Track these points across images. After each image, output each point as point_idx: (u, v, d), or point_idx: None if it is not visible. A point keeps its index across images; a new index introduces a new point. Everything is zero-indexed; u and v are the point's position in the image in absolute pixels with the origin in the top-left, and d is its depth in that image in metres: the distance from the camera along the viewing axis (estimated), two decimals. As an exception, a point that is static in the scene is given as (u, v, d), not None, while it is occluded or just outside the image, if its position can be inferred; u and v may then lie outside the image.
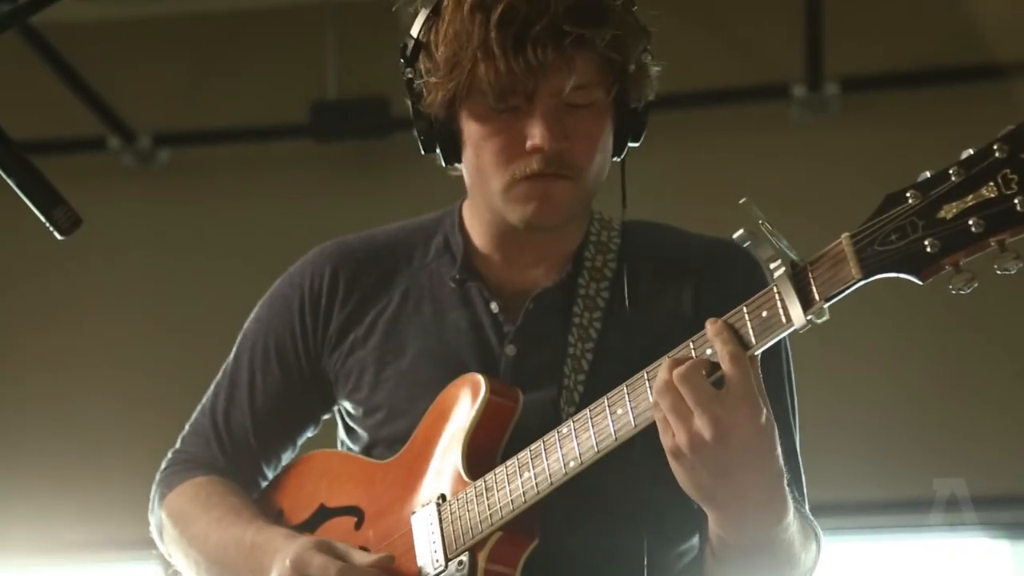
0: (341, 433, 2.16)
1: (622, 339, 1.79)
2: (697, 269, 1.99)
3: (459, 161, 2.00)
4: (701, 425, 1.63)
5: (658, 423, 1.68)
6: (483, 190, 1.97)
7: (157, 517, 2.16)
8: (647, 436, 1.73)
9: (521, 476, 1.84)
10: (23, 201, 1.58)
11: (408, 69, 1.95)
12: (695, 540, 1.98)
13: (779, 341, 1.74)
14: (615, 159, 2.01)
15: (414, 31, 1.94)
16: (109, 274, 5.30)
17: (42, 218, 1.58)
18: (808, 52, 4.89)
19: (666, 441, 1.67)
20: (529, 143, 1.89)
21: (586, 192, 1.96)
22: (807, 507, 1.98)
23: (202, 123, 5.43)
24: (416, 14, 1.95)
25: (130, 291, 5.29)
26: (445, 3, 1.91)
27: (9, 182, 1.57)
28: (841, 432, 4.67)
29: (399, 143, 5.12)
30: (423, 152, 2.02)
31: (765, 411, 1.65)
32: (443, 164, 2.02)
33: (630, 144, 2.00)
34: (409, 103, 1.98)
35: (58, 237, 1.60)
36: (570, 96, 1.88)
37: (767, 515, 1.73)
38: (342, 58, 5.30)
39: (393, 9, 2.00)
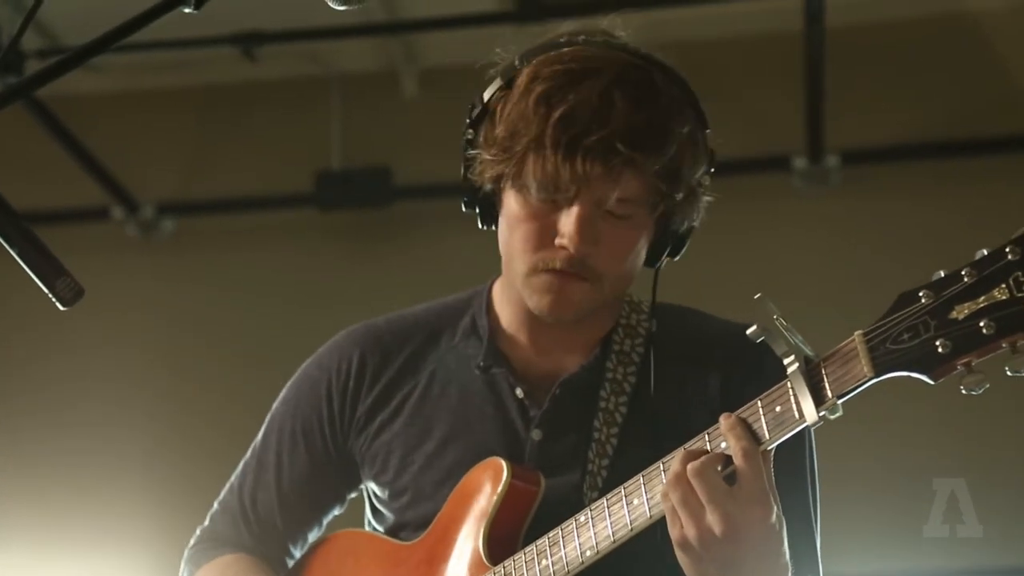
0: (368, 513, 2.17)
1: (647, 424, 1.81)
2: (725, 357, 1.99)
3: (495, 225, 2.00)
4: (712, 521, 1.63)
5: (667, 514, 1.68)
6: (509, 267, 1.98)
7: None
8: (664, 526, 1.73)
9: (539, 563, 1.85)
10: (25, 271, 1.59)
11: (470, 130, 1.96)
12: None
13: (801, 431, 1.75)
14: (649, 267, 2.00)
15: (486, 95, 1.95)
16: (111, 344, 5.29)
17: (45, 289, 1.59)
18: (809, 125, 4.93)
19: (674, 533, 1.67)
20: (558, 240, 1.89)
21: (604, 295, 1.95)
22: None
23: (205, 193, 5.45)
24: (493, 78, 1.95)
25: (133, 362, 5.28)
26: (519, 81, 1.91)
27: (12, 252, 1.58)
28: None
29: (402, 212, 5.15)
30: (464, 209, 2.02)
31: (776, 509, 1.66)
32: (480, 226, 2.02)
33: (672, 259, 2.00)
34: (462, 164, 1.98)
35: (60, 308, 1.60)
36: (610, 206, 1.88)
37: None
38: (346, 128, 5.34)
39: (477, 66, 2.00)
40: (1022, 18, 5.06)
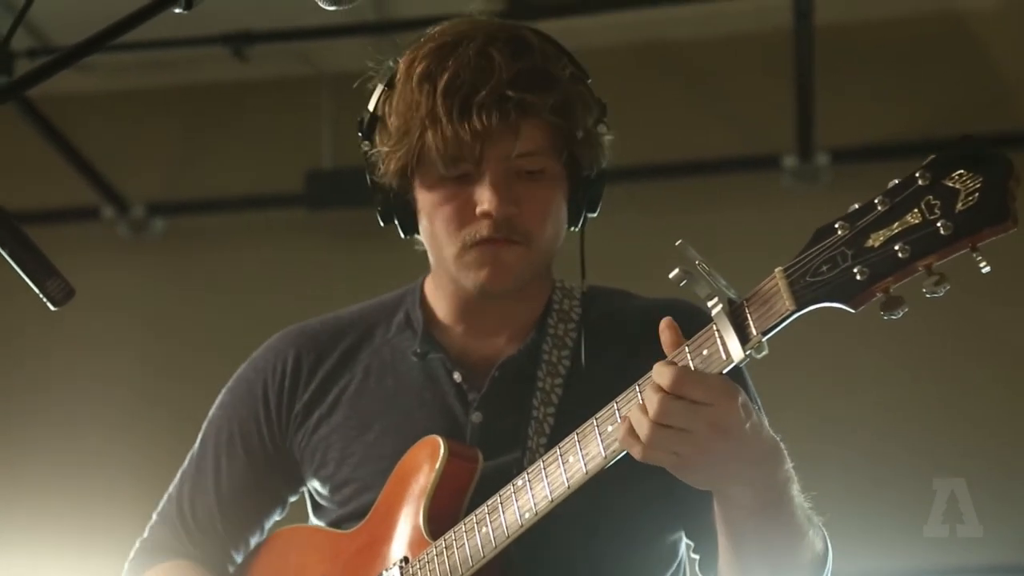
0: (310, 512, 2.16)
1: (583, 403, 1.80)
2: (655, 330, 1.98)
3: (417, 232, 2.03)
4: (701, 437, 1.63)
5: (656, 459, 1.66)
6: (439, 258, 2.01)
7: None
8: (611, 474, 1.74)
9: (479, 531, 1.85)
10: (16, 271, 1.59)
11: (365, 142, 2.00)
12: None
13: (740, 376, 1.89)
14: (573, 229, 2.04)
15: (371, 105, 1.99)
16: (102, 344, 5.29)
17: (35, 289, 1.59)
18: (799, 123, 4.93)
19: (671, 464, 1.66)
20: (478, 209, 1.92)
21: (538, 258, 1.99)
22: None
23: (196, 193, 5.45)
24: (373, 89, 2.01)
25: (123, 361, 5.28)
26: (398, 75, 1.96)
27: (2, 252, 1.58)
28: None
29: (393, 212, 5.14)
30: (382, 224, 2.06)
31: (735, 385, 1.66)
32: (402, 235, 2.05)
33: (588, 215, 2.03)
34: (368, 176, 2.02)
35: (51, 308, 1.60)
36: (519, 163, 1.92)
37: (771, 460, 1.73)
38: (336, 127, 5.34)
39: (355, 85, 2.05)
40: (1011, 17, 5.07)
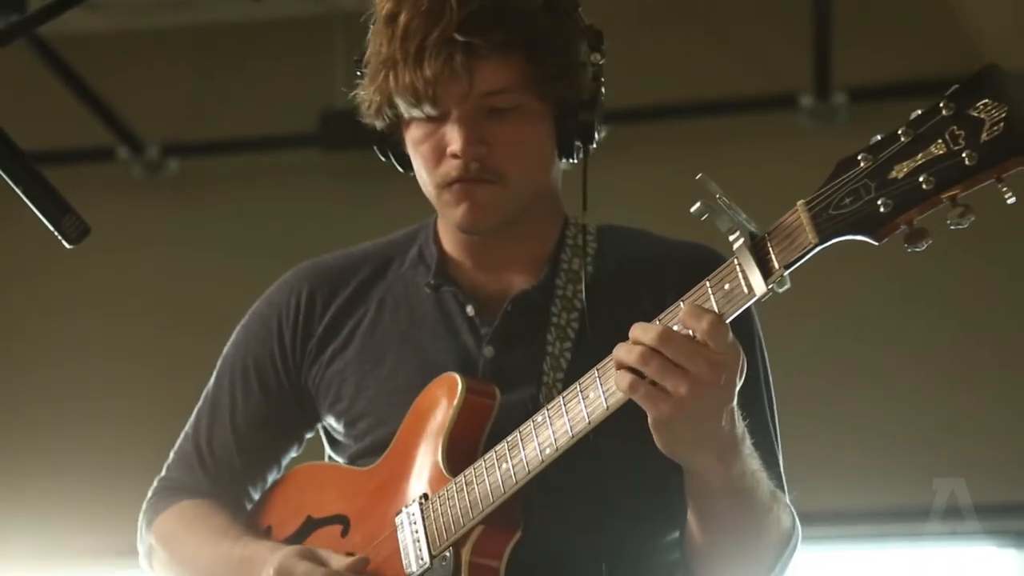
0: (327, 448, 2.17)
1: (600, 338, 1.80)
2: (674, 272, 1.98)
3: (411, 168, 2.04)
4: (699, 373, 1.64)
5: (642, 397, 1.67)
6: (428, 195, 2.02)
7: (146, 544, 2.17)
8: (623, 424, 1.74)
9: (499, 468, 1.85)
10: (31, 210, 1.58)
11: (355, 88, 2.03)
12: (678, 534, 1.99)
13: (752, 331, 1.93)
14: (572, 162, 2.02)
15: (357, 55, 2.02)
16: (116, 284, 5.30)
17: (51, 227, 1.59)
18: (816, 62, 4.90)
19: (658, 409, 1.67)
20: (448, 149, 1.93)
21: (516, 196, 1.98)
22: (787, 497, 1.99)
23: (210, 133, 5.43)
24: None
25: (137, 301, 5.29)
26: (375, 18, 1.98)
27: (17, 191, 1.58)
28: (837, 437, 4.67)
29: (408, 152, 5.13)
30: (382, 159, 2.07)
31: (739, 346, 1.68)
32: (401, 171, 2.07)
33: (587, 146, 2.01)
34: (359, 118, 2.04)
35: (66, 246, 1.60)
36: (489, 101, 1.92)
37: (739, 435, 1.75)
38: (350, 67, 5.30)
39: (361, 20, 2.04)
40: (1033, -48, 5.02)
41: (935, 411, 4.76)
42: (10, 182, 1.57)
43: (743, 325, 1.92)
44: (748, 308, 1.67)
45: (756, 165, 4.85)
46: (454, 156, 1.93)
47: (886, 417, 4.76)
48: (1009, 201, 1.49)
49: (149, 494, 2.20)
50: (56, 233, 1.58)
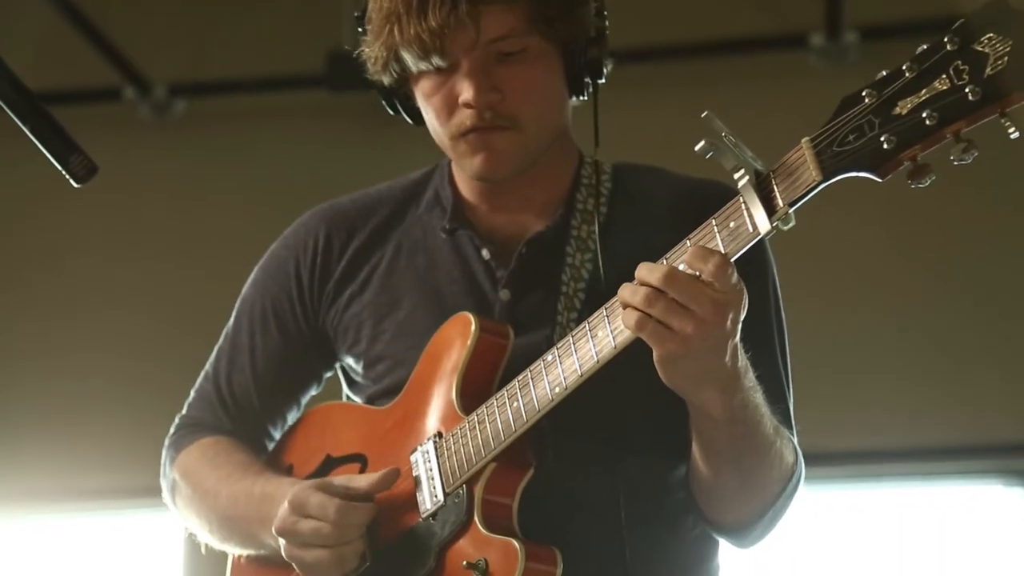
0: (345, 389, 2.19)
1: (614, 278, 1.80)
2: (688, 209, 1.95)
3: (423, 122, 2.04)
4: (704, 313, 1.65)
5: (649, 335, 1.69)
6: (443, 146, 2.02)
7: (169, 480, 2.19)
8: (633, 361, 1.75)
9: (511, 406, 1.87)
10: (38, 149, 1.58)
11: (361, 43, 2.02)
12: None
13: (766, 269, 1.94)
14: (582, 98, 2.02)
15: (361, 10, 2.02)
16: (123, 224, 5.30)
17: (58, 166, 1.59)
18: (827, 0, 4.86)
19: (664, 347, 1.69)
20: (460, 99, 1.93)
21: (534, 139, 1.98)
22: (795, 434, 2.01)
23: (218, 74, 5.41)
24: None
25: (144, 241, 5.30)
26: None
27: (25, 130, 1.58)
28: (845, 376, 4.69)
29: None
30: (392, 114, 2.07)
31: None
32: (413, 123, 2.07)
33: (595, 81, 2.00)
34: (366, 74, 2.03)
35: (74, 185, 1.60)
36: (496, 47, 1.92)
37: (742, 368, 1.77)
38: (358, 7, 5.28)
39: None
40: None
41: (943, 350, 4.77)
42: (17, 120, 1.57)
43: (757, 263, 1.94)
44: (764, 247, 1.67)
45: (765, 105, 4.83)
46: (467, 105, 1.93)
47: (896, 356, 4.77)
48: (1013, 136, 1.48)
49: (171, 431, 2.22)
50: (63, 172, 1.59)
